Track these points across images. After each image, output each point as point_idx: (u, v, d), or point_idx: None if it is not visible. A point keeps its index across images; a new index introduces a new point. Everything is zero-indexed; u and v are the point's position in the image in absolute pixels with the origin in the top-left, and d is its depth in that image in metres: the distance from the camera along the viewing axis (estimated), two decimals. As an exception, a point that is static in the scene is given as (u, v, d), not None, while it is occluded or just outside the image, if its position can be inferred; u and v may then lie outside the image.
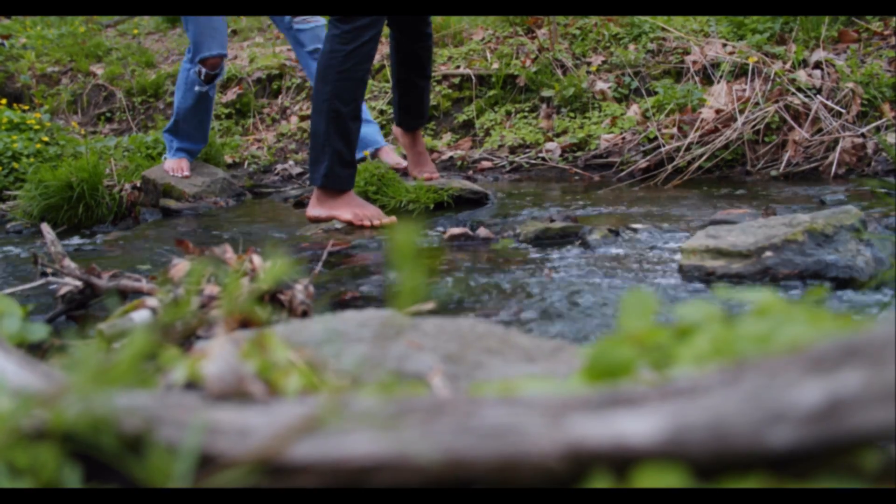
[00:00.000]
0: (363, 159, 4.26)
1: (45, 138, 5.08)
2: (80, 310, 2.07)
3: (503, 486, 0.51)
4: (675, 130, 4.74)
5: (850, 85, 4.65)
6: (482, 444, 0.51)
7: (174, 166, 4.73)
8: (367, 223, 3.31)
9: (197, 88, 4.55)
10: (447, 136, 5.85)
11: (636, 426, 0.50)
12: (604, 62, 5.89)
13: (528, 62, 5.97)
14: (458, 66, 6.21)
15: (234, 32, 8.18)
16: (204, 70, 4.47)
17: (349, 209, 3.34)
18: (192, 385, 0.70)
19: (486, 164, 5.30)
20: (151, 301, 1.71)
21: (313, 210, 3.39)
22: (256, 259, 1.82)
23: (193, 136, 4.85)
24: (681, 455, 0.49)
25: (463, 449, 0.51)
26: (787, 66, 4.90)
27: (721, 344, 0.64)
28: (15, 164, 4.84)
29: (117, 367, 0.59)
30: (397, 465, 0.51)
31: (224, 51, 4.54)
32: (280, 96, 6.84)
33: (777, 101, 4.63)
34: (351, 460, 0.52)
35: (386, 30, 3.80)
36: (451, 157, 5.47)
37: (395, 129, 4.15)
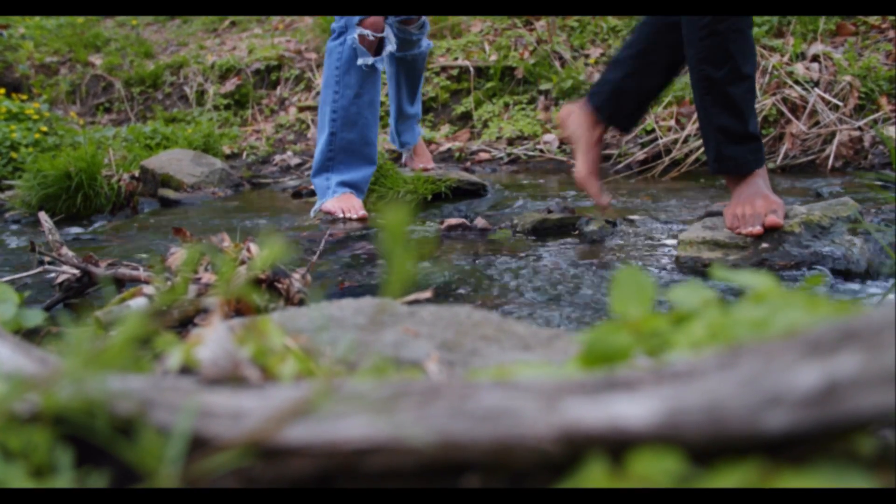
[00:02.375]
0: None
1: (44, 128, 5.07)
2: (77, 298, 2.07)
3: (498, 468, 0.51)
4: (672, 123, 4.74)
5: (848, 78, 4.64)
6: (477, 426, 0.51)
7: (342, 205, 3.38)
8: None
9: (361, 61, 3.32)
10: (445, 128, 5.85)
11: (631, 409, 0.50)
12: (602, 54, 5.88)
13: (526, 54, 5.96)
14: (456, 58, 6.20)
15: (233, 24, 8.17)
16: (369, 33, 3.30)
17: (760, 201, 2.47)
18: (187, 370, 0.70)
19: (483, 155, 5.30)
20: (148, 289, 1.71)
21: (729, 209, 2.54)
22: (253, 247, 1.82)
23: (357, 159, 3.47)
24: (676, 438, 0.48)
25: (458, 432, 0.51)
26: (785, 59, 4.90)
27: (717, 329, 0.63)
28: (13, 154, 4.83)
29: (110, 350, 0.59)
30: (392, 448, 0.51)
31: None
32: (278, 87, 6.83)
33: (774, 94, 4.63)
34: (345, 443, 0.51)
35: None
36: (449, 149, 5.47)
37: (582, 114, 2.91)
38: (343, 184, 3.44)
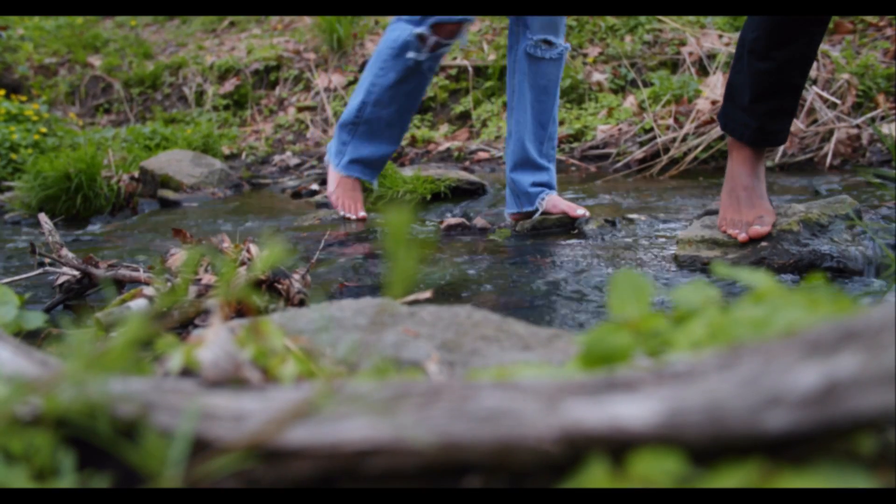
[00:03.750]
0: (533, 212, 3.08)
1: (43, 129, 5.07)
2: (77, 299, 2.07)
3: (499, 469, 0.51)
4: (671, 121, 4.74)
5: (846, 76, 4.64)
6: (478, 428, 0.51)
7: (343, 201, 3.37)
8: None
9: (411, 55, 3.12)
10: (444, 127, 5.84)
11: (632, 410, 0.50)
12: (600, 53, 5.88)
13: (525, 53, 5.95)
14: (454, 58, 6.20)
15: (232, 24, 8.17)
16: (434, 38, 3.08)
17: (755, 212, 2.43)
18: (188, 372, 0.70)
19: (482, 154, 5.29)
20: (149, 290, 1.71)
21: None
22: (253, 248, 1.82)
23: (380, 136, 3.34)
24: (677, 439, 0.48)
25: (459, 433, 0.51)
26: (785, 56, 4.89)
27: (718, 329, 0.64)
28: (13, 155, 4.84)
29: (111, 352, 0.59)
30: (393, 449, 0.51)
31: (471, 15, 3.02)
32: (277, 87, 6.83)
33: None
34: (346, 444, 0.52)
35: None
36: (448, 149, 5.46)
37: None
38: (355, 161, 3.35)
